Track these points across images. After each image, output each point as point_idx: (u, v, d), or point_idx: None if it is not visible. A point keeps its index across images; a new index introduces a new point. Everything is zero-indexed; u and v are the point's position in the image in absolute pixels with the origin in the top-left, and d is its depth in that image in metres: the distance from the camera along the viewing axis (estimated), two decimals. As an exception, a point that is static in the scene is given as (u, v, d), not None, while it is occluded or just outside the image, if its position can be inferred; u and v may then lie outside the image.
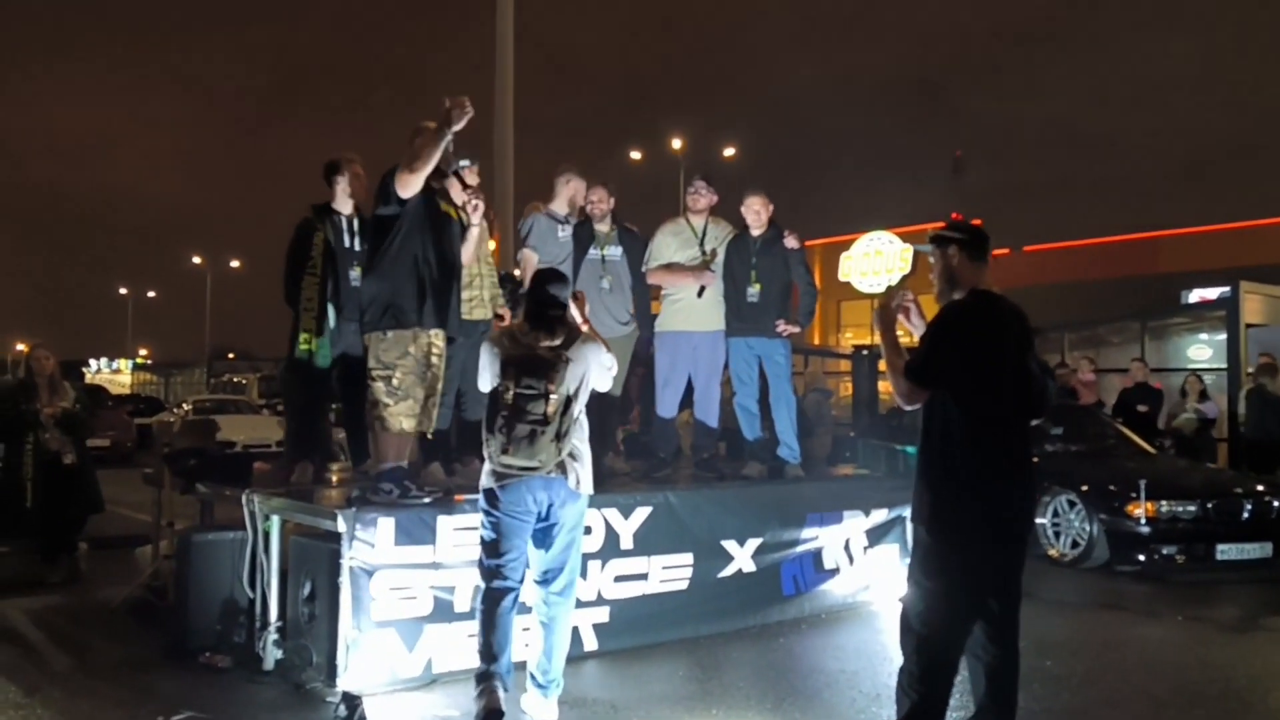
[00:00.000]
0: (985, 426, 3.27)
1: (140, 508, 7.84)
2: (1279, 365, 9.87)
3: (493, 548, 4.05)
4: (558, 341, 4.05)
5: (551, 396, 3.94)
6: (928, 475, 3.36)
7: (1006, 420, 3.31)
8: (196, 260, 53.09)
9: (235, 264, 53.66)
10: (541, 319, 4.09)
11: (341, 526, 4.31)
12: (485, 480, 4.09)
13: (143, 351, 63.34)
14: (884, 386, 10.47)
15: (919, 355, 3.34)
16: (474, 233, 5.22)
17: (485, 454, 4.05)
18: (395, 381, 4.60)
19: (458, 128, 4.45)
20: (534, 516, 4.05)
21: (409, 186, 4.58)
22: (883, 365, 3.66)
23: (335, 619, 4.33)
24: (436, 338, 4.74)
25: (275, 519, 4.85)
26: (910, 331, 3.59)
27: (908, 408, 3.46)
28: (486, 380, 4.12)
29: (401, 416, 4.63)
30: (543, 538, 4.10)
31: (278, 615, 4.76)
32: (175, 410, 21.75)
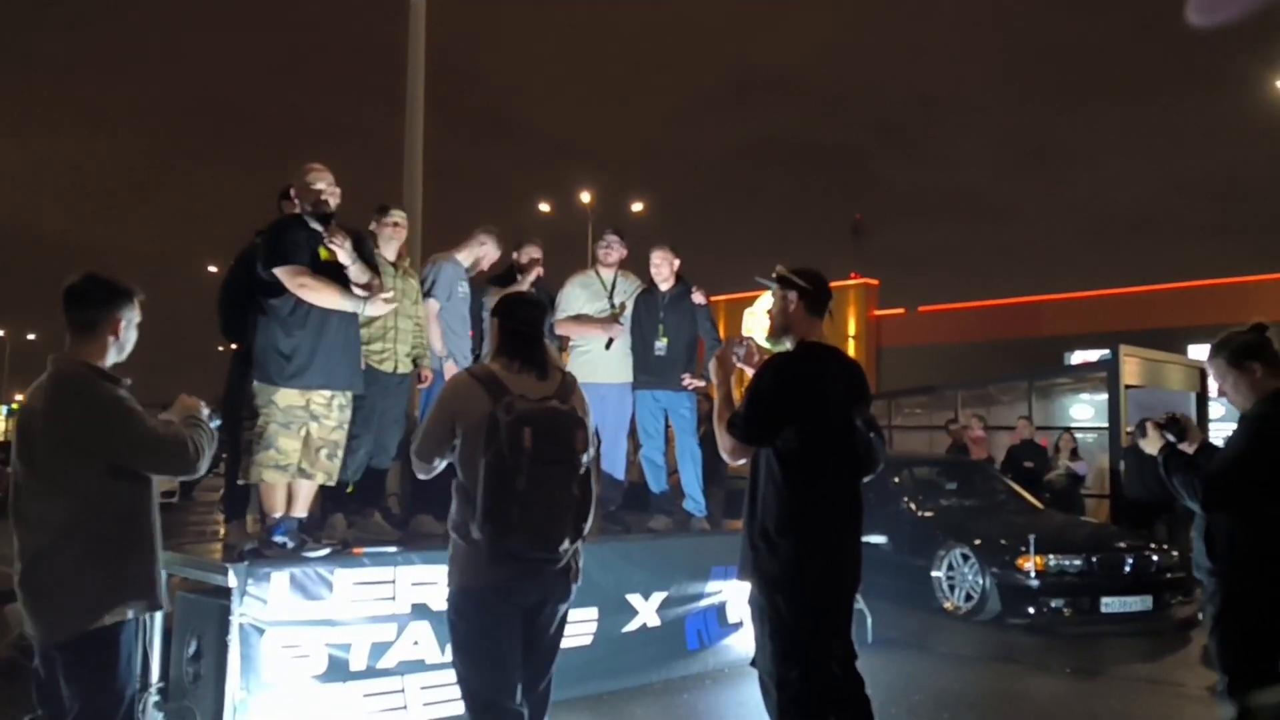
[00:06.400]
0: (807, 482, 3.17)
1: (12, 561, 7.39)
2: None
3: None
4: (553, 387, 3.20)
5: (581, 467, 3.13)
6: (749, 530, 3.25)
7: (830, 476, 3.21)
8: (83, 301, 50.89)
9: (125, 306, 51.64)
10: (530, 355, 3.20)
11: (233, 581, 4.14)
12: (467, 578, 3.10)
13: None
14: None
15: (742, 411, 3.25)
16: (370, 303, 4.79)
17: (477, 542, 3.01)
18: (258, 429, 4.43)
19: (342, 258, 4.44)
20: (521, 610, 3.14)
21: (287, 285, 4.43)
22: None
23: (222, 679, 4.14)
24: (318, 394, 4.50)
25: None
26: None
27: (732, 463, 3.37)
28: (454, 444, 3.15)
29: (262, 467, 4.42)
30: None
31: (159, 675, 4.50)
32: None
